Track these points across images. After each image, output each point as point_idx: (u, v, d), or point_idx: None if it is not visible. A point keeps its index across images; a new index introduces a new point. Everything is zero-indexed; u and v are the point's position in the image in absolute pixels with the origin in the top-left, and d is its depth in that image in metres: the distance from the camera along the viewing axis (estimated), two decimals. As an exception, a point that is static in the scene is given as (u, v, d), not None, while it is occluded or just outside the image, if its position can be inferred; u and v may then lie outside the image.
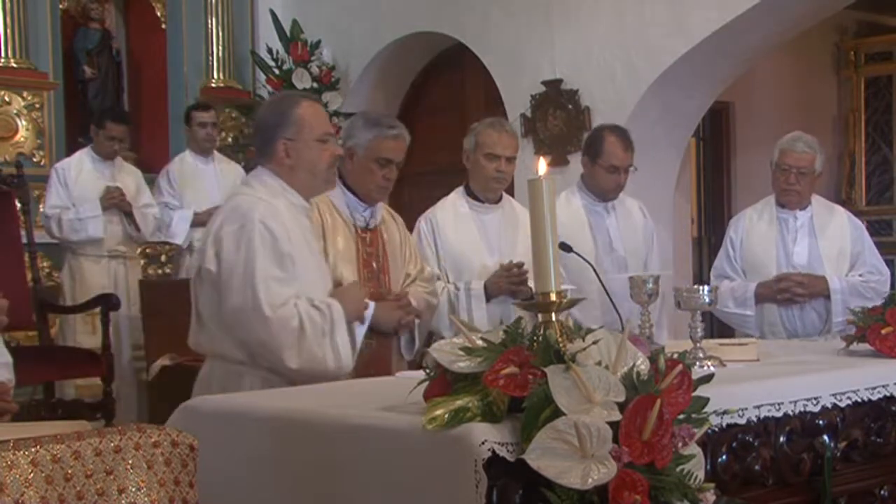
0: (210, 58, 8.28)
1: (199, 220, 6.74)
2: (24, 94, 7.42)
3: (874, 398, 2.68)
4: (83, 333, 6.33)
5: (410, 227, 4.21)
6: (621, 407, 1.85)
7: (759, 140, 7.93)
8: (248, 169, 7.15)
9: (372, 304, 3.40)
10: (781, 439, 2.47)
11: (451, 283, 4.25)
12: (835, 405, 2.58)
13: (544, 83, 7.03)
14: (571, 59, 6.92)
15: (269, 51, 8.18)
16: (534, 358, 1.90)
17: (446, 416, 1.89)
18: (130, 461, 1.65)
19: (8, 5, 7.25)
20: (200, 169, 6.99)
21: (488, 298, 4.20)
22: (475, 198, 4.38)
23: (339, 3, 8.27)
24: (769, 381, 2.55)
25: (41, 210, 6.59)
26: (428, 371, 2.05)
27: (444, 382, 1.98)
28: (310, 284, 3.17)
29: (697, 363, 2.78)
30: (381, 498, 2.05)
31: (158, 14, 8.44)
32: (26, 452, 1.57)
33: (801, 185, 4.52)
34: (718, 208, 8.74)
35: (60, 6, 7.93)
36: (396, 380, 2.90)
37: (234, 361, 3.13)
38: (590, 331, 1.99)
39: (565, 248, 3.65)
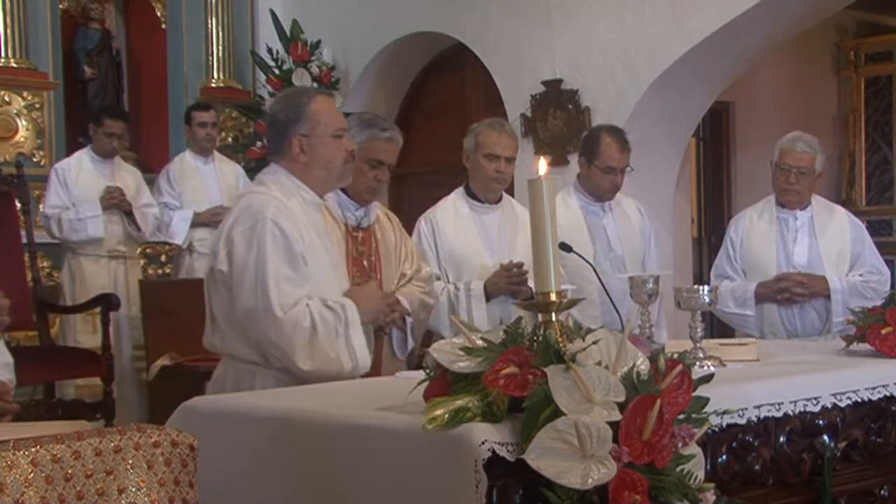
0: (210, 58, 8.28)
1: (199, 221, 6.76)
2: (24, 94, 7.42)
3: (874, 398, 2.68)
4: (83, 333, 6.32)
5: (410, 228, 4.20)
6: (621, 407, 1.85)
7: (759, 140, 7.93)
8: (248, 169, 7.18)
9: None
10: (781, 439, 2.47)
11: (451, 283, 4.25)
12: (835, 405, 2.58)
13: (544, 83, 7.02)
14: (571, 59, 6.92)
15: (269, 51, 8.17)
16: (534, 358, 1.90)
17: (446, 416, 1.89)
18: (130, 461, 1.65)
19: (8, 5, 7.25)
20: (200, 169, 6.98)
21: (488, 298, 4.20)
22: (475, 198, 4.38)
23: (339, 3, 8.27)
24: (769, 381, 2.55)
25: (41, 210, 6.58)
26: (428, 371, 2.05)
27: (444, 382, 1.98)
28: (323, 284, 3.12)
29: (697, 363, 2.78)
30: (381, 497, 2.05)
31: (158, 14, 8.44)
32: (26, 452, 1.57)
33: (801, 185, 4.51)
34: (718, 208, 8.74)
35: (60, 6, 7.92)
36: (396, 380, 2.89)
37: (248, 362, 3.10)
38: (590, 331, 1.99)
39: (565, 248, 3.65)
